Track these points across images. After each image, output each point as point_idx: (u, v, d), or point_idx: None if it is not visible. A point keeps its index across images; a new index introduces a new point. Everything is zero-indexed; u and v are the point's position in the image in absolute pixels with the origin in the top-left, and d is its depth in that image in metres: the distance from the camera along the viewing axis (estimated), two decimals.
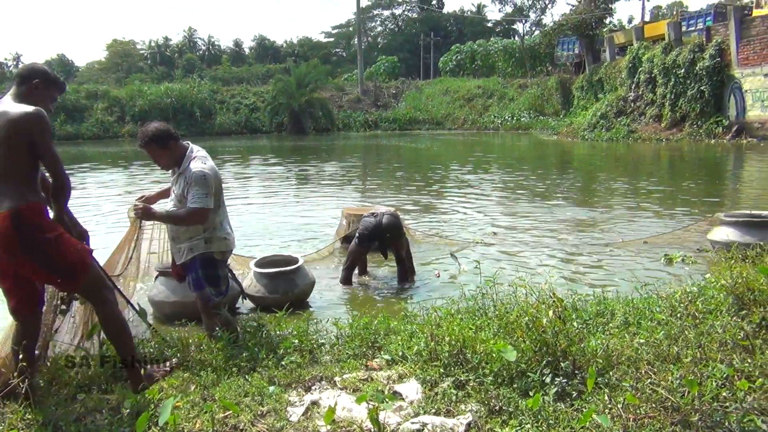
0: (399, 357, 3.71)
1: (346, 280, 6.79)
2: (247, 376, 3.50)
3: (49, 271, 3.26)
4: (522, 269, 7.11)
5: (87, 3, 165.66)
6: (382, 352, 3.84)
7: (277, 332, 4.10)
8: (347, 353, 3.89)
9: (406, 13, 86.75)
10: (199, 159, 4.11)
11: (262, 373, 3.55)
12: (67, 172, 3.29)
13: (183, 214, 4.01)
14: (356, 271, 7.04)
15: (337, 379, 3.49)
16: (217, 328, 4.02)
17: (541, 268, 7.28)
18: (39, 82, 3.35)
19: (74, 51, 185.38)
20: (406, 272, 6.88)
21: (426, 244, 8.63)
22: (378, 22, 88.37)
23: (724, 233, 7.31)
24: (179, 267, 4.25)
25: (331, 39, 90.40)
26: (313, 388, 3.43)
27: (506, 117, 45.14)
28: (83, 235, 3.57)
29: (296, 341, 3.98)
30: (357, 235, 6.75)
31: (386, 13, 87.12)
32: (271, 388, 3.33)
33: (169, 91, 46.21)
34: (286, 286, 5.84)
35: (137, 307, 4.18)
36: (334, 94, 52.73)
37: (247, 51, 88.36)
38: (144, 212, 3.99)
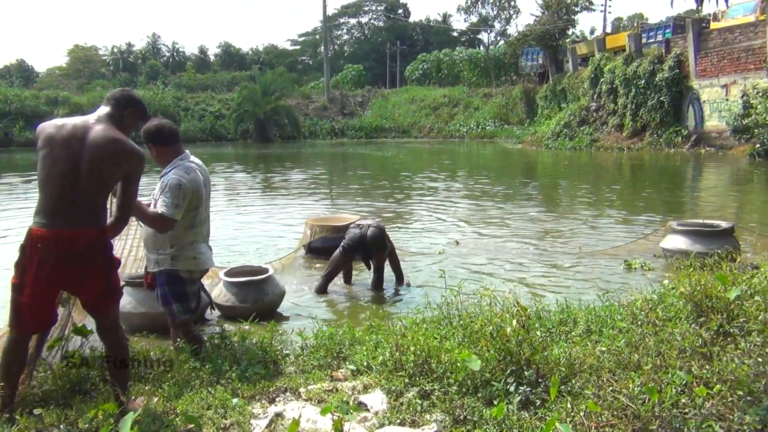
0: (364, 367, 3.70)
1: (322, 289, 6.81)
2: (210, 389, 3.45)
3: (108, 289, 3.28)
4: (485, 278, 7.16)
5: (47, 8, 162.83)
6: (347, 363, 3.83)
7: (242, 343, 4.05)
8: (312, 364, 3.87)
9: (372, 21, 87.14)
10: (184, 168, 3.99)
11: (226, 385, 3.50)
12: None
13: (149, 213, 3.87)
14: (340, 279, 7.12)
15: (301, 390, 3.47)
16: (178, 340, 3.95)
17: (505, 276, 7.35)
18: (132, 112, 3.42)
19: (34, 56, 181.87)
20: (381, 281, 6.98)
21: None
22: (344, 31, 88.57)
23: (674, 241, 7.49)
24: (148, 277, 4.17)
25: (297, 47, 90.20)
26: (277, 399, 3.40)
27: (472, 126, 45.57)
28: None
29: (260, 352, 3.94)
30: (342, 245, 6.82)
31: (353, 21, 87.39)
32: (235, 400, 3.29)
33: None
34: (256, 296, 5.82)
35: None
36: (300, 102, 52.65)
37: (212, 58, 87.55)
38: None
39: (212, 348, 3.97)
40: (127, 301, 5.31)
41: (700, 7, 24.66)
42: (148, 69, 75.57)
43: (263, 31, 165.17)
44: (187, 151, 4.16)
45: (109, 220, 3.31)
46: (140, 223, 4.37)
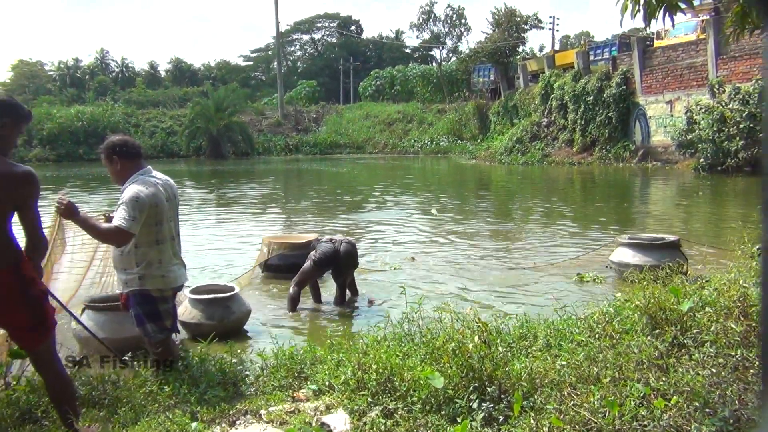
0: (326, 387, 3.66)
1: (295, 296, 6.77)
2: (168, 413, 3.36)
3: (35, 323, 3.12)
4: (443, 294, 7.19)
5: None
6: (308, 383, 3.78)
7: (201, 365, 3.96)
8: (273, 385, 3.81)
9: (325, 38, 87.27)
10: (143, 182, 3.90)
11: (184, 409, 3.42)
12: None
13: (102, 228, 3.77)
14: (308, 299, 7.07)
15: (262, 412, 3.40)
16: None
17: (461, 292, 7.39)
18: (7, 122, 3.04)
19: None
20: (344, 297, 7.00)
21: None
22: (297, 47, 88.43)
23: (623, 255, 7.65)
24: (122, 295, 4.10)
25: (250, 63, 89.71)
26: (237, 422, 3.33)
27: (426, 141, 45.95)
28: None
29: (219, 374, 3.86)
30: (314, 258, 6.79)
31: (306, 37, 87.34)
32: (194, 424, 3.20)
33: (80, 114, 44.66)
34: (223, 313, 5.78)
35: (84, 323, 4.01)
36: (254, 118, 52.30)
37: (163, 74, 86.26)
38: (66, 209, 3.60)
39: (170, 370, 3.87)
40: (89, 326, 5.12)
41: (648, 26, 25.48)
42: (97, 85, 74.09)
43: (215, 46, 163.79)
44: (150, 166, 4.08)
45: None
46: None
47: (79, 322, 4.23)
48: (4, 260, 3.03)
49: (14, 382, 3.62)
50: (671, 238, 7.81)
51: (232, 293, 5.97)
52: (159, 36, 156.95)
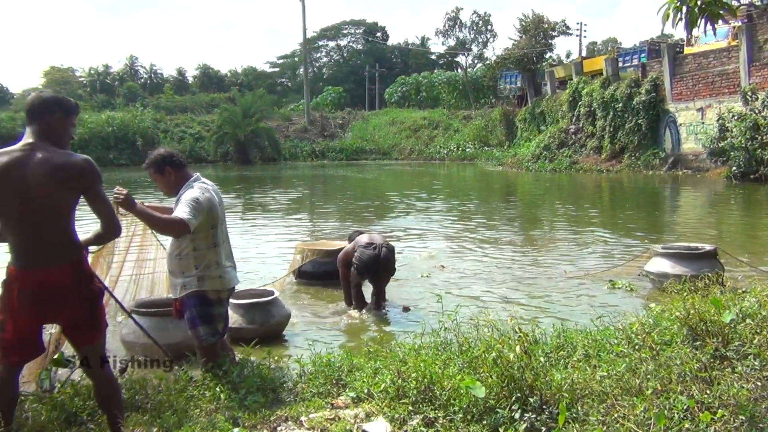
0: (365, 394, 3.66)
1: (360, 303, 6.89)
2: (209, 418, 3.40)
3: (90, 320, 3.17)
4: (473, 300, 7.19)
5: (22, 28, 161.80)
6: (347, 390, 3.79)
7: (240, 371, 3.99)
8: (311, 391, 3.82)
9: (351, 44, 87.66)
10: (199, 188, 4.04)
11: (226, 415, 3.45)
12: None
13: (162, 218, 3.84)
14: (337, 303, 7.15)
15: (303, 419, 3.42)
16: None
17: (493, 299, 7.35)
18: (59, 117, 3.08)
19: (8, 77, 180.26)
20: (380, 303, 6.98)
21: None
22: (323, 53, 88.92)
23: (658, 264, 7.55)
24: (177, 302, 4.18)
25: (276, 69, 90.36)
26: (279, 429, 3.35)
27: (452, 147, 45.88)
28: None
29: (257, 380, 3.89)
30: (355, 266, 6.73)
31: (331, 44, 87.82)
32: (236, 430, 3.24)
33: (111, 120, 45.36)
34: (264, 318, 5.83)
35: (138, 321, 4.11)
36: (281, 124, 52.69)
37: (190, 80, 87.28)
38: (125, 200, 3.61)
39: (210, 376, 3.91)
40: (132, 330, 5.13)
41: (690, 35, 25.24)
42: (126, 91, 75.16)
43: (242, 53, 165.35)
44: (198, 173, 4.23)
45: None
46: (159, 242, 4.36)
47: (135, 322, 4.29)
48: (67, 255, 3.06)
49: (59, 386, 3.68)
50: (708, 247, 7.70)
51: (272, 297, 6.02)
52: (187, 43, 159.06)
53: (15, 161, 2.93)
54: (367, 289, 7.15)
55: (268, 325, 5.81)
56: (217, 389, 3.72)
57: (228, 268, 4.18)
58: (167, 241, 4.25)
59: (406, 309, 7.04)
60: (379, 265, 6.70)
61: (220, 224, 4.15)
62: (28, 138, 3.01)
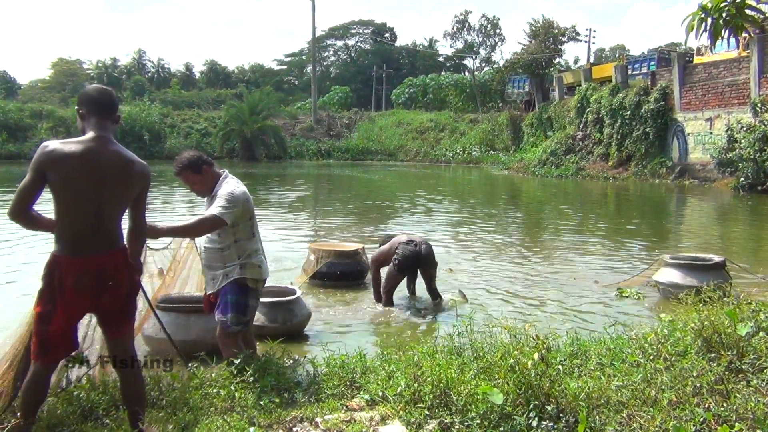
0: (379, 397, 3.66)
1: (389, 303, 7.05)
2: (225, 417, 3.40)
3: (130, 310, 3.30)
4: (482, 306, 7.18)
5: (31, 20, 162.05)
6: (361, 392, 3.79)
7: (256, 370, 3.99)
8: (326, 392, 3.82)
9: (359, 44, 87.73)
10: (233, 183, 4.21)
11: (241, 413, 3.45)
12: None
13: (192, 223, 4.10)
14: (363, 301, 7.29)
15: (318, 420, 3.42)
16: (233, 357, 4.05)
17: (502, 305, 7.34)
18: (118, 116, 3.32)
19: (16, 68, 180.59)
20: (437, 291, 7.24)
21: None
22: (331, 52, 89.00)
23: (668, 275, 7.54)
24: (212, 295, 4.28)
25: (284, 67, 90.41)
26: (294, 429, 3.35)
27: (458, 150, 45.90)
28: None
29: (272, 380, 3.89)
30: (396, 262, 6.93)
31: (339, 43, 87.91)
32: (251, 429, 3.24)
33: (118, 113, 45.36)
34: (286, 316, 5.89)
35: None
36: (287, 122, 52.78)
37: (197, 75, 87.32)
38: (151, 231, 3.77)
39: (226, 374, 3.91)
40: (157, 327, 5.11)
41: (713, 47, 25.25)
42: (133, 84, 75.30)
43: (249, 49, 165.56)
44: (225, 170, 4.36)
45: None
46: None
47: (156, 316, 4.32)
48: (120, 242, 3.21)
49: (75, 382, 3.69)
50: (717, 258, 7.69)
51: (295, 296, 6.07)
52: (195, 38, 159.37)
53: (90, 150, 3.06)
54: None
55: (290, 324, 5.87)
56: (232, 387, 3.72)
57: (263, 258, 4.37)
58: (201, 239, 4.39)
59: (462, 296, 7.29)
60: (420, 261, 6.97)
61: (254, 215, 4.33)
62: (98, 131, 3.14)
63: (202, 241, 4.39)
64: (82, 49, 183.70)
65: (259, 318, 5.75)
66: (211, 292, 4.28)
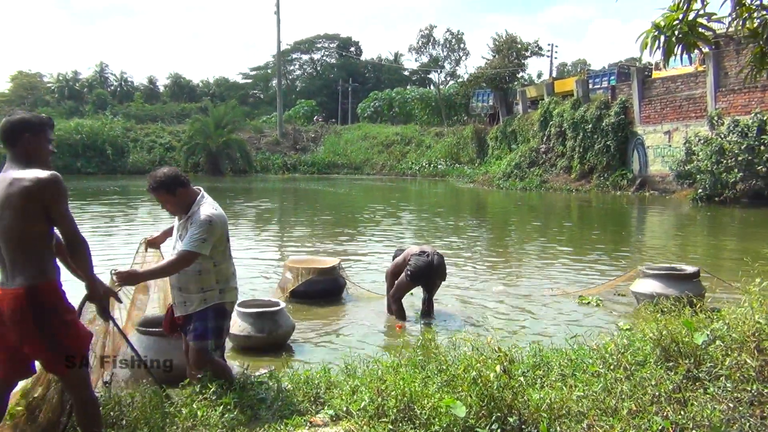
0: (343, 412, 3.65)
1: (400, 312, 7.20)
2: None
3: (53, 353, 3.03)
4: (448, 319, 7.23)
5: None
6: (325, 407, 3.78)
7: (218, 387, 3.94)
8: (290, 409, 3.80)
9: (324, 58, 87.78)
10: (210, 205, 4.10)
11: None
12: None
13: (168, 264, 3.94)
14: (351, 314, 7.41)
15: None
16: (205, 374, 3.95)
17: (469, 317, 7.38)
18: (29, 136, 3.08)
19: None
20: (432, 309, 7.30)
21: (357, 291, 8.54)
22: (297, 66, 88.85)
23: (646, 285, 7.65)
24: (180, 318, 4.15)
25: (249, 80, 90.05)
26: None
27: (423, 164, 46.13)
28: (108, 294, 3.45)
29: (236, 397, 3.85)
30: (409, 272, 7.04)
31: (305, 57, 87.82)
32: None
33: (80, 127, 44.74)
34: (272, 327, 5.93)
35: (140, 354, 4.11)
36: (253, 136, 52.50)
37: (161, 89, 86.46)
38: (127, 278, 3.82)
39: (188, 392, 3.86)
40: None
41: (666, 65, 26.01)
42: (95, 98, 74.24)
43: (214, 63, 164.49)
44: (201, 188, 4.23)
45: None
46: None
47: (129, 343, 4.18)
48: (19, 278, 2.95)
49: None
50: (691, 269, 7.81)
51: (280, 307, 6.13)
52: (158, 51, 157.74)
53: None
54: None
55: (275, 334, 5.94)
56: (194, 405, 3.67)
57: (237, 281, 4.32)
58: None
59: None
60: (433, 271, 7.07)
61: (229, 237, 4.27)
62: (7, 163, 3.05)
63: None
64: (43, 62, 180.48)
65: (245, 328, 5.88)
66: (179, 314, 4.15)
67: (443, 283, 7.44)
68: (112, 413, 3.60)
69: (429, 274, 7.09)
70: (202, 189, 4.21)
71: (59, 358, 3.04)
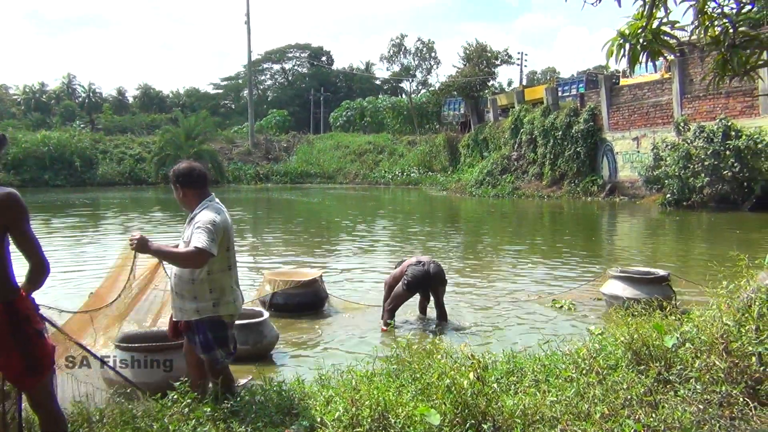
0: (318, 423, 3.63)
1: (392, 315, 7.30)
2: None
3: (27, 364, 2.98)
4: (421, 327, 7.24)
5: None
6: (300, 419, 3.74)
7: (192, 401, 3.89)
8: (263, 420, 3.76)
9: (296, 67, 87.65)
10: (214, 209, 4.01)
11: None
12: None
13: (182, 252, 3.84)
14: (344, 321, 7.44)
15: None
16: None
17: (441, 324, 7.40)
18: None
19: None
20: (445, 313, 7.47)
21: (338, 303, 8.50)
22: (268, 76, 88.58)
23: (614, 287, 7.75)
24: (181, 324, 4.07)
25: (220, 90, 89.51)
26: None
27: (396, 172, 46.23)
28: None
29: (208, 410, 3.80)
30: (406, 282, 7.16)
31: (276, 67, 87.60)
32: None
33: (47, 139, 43.95)
34: (256, 338, 5.92)
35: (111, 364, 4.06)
36: (224, 146, 52.20)
37: (130, 100, 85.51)
38: (140, 243, 3.72)
39: (159, 407, 3.80)
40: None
41: (632, 73, 26.41)
42: (63, 110, 73.20)
43: (184, 73, 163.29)
44: (213, 194, 4.16)
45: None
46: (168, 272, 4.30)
47: (107, 365, 4.09)
48: None
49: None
50: (661, 272, 7.91)
51: (264, 318, 6.10)
52: (127, 62, 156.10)
53: None
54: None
55: (260, 345, 5.93)
56: (165, 420, 3.62)
57: (239, 292, 4.20)
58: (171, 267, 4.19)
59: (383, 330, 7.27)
60: (430, 279, 7.22)
61: (232, 247, 4.14)
62: None
63: (172, 266, 4.17)
64: (8, 74, 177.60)
65: None
66: (177, 320, 4.10)
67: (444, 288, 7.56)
68: (80, 430, 3.53)
69: (425, 283, 7.24)
70: (213, 194, 4.15)
71: (31, 367, 3.01)
